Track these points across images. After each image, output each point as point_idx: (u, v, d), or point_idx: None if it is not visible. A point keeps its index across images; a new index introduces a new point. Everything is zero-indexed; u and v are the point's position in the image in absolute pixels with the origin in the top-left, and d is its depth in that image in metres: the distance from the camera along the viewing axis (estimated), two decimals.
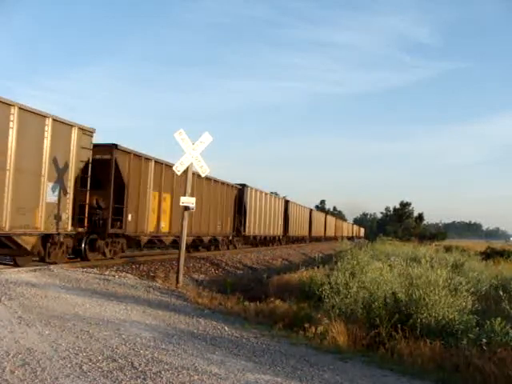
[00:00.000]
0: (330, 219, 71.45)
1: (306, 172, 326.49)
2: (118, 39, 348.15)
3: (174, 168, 12.82)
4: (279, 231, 37.42)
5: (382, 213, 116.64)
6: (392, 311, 8.11)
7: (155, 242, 19.58)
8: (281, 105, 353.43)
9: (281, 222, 37.60)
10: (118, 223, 15.87)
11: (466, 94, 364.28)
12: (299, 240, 46.82)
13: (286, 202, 39.88)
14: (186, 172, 12.62)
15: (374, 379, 6.06)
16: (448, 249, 30.20)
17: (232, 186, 27.62)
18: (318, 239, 57.70)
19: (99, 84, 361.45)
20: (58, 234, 13.11)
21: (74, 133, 13.61)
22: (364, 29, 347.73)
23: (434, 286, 8.31)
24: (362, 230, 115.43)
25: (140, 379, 5.01)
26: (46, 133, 12.58)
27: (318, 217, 60.04)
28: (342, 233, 79.85)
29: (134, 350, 6.02)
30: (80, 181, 14.01)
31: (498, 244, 60.98)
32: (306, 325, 8.16)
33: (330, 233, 67.21)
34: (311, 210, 56.17)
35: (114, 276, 12.29)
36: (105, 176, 15.15)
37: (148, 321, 7.79)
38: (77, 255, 14.91)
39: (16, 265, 12.65)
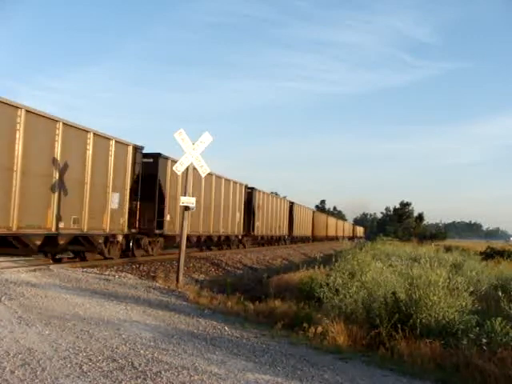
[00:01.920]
0: (338, 222, 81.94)
1: (305, 172, 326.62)
2: (118, 39, 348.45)
3: (173, 168, 12.83)
4: (310, 233, 52.22)
5: (382, 213, 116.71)
6: (392, 311, 8.10)
7: None
8: (281, 105, 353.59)
9: (310, 227, 52.56)
10: None
11: (467, 93, 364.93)
12: (319, 239, 58.10)
13: (313, 213, 55.47)
14: (186, 172, 12.62)
15: (374, 379, 6.06)
16: (448, 249, 30.19)
17: (286, 201, 41.23)
18: (330, 239, 65.49)
19: (99, 84, 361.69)
20: None
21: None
22: (364, 28, 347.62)
23: (433, 286, 8.30)
24: (362, 229, 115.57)
25: (140, 379, 5.01)
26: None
27: (331, 221, 71.78)
28: (344, 233, 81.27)
29: (134, 349, 6.02)
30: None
31: (498, 244, 60.85)
32: (306, 325, 8.16)
33: (337, 233, 75.24)
34: (327, 216, 71.51)
35: (114, 276, 12.30)
36: None
37: (148, 321, 7.80)
38: None
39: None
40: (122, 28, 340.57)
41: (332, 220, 73.32)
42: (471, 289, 9.01)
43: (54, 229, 12.81)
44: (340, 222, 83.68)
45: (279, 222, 38.27)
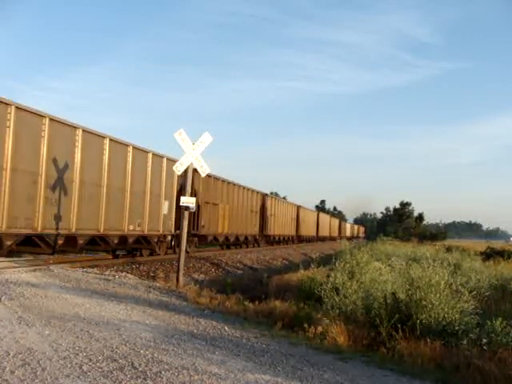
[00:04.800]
0: (340, 223, 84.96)
1: (305, 172, 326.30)
2: (118, 39, 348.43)
3: (173, 168, 12.83)
4: (314, 233, 56.31)
5: (382, 213, 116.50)
6: (392, 311, 8.10)
7: None
8: (281, 105, 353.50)
9: (315, 227, 56.66)
10: None
11: (467, 93, 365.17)
12: (322, 239, 61.74)
13: (318, 214, 60.18)
14: (186, 172, 12.63)
15: (374, 379, 6.06)
16: (448, 249, 30.19)
17: (294, 205, 45.66)
18: (333, 239, 68.15)
19: (99, 84, 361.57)
20: None
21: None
22: (365, 28, 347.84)
23: (435, 287, 8.28)
24: (363, 229, 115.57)
25: (140, 379, 5.01)
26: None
27: (334, 221, 75.53)
28: (345, 233, 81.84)
29: (134, 349, 6.02)
30: None
31: (498, 244, 60.92)
32: (306, 325, 8.16)
33: (340, 233, 78.46)
34: (330, 217, 75.04)
35: (114, 276, 12.29)
36: None
37: (148, 321, 7.79)
38: None
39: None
40: (122, 28, 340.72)
41: (334, 221, 76.11)
42: (474, 292, 8.96)
43: (126, 231, 15.94)
44: (342, 223, 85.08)
45: (288, 223, 42.28)
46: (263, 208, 33.83)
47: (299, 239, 47.48)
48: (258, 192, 32.52)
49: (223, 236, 25.38)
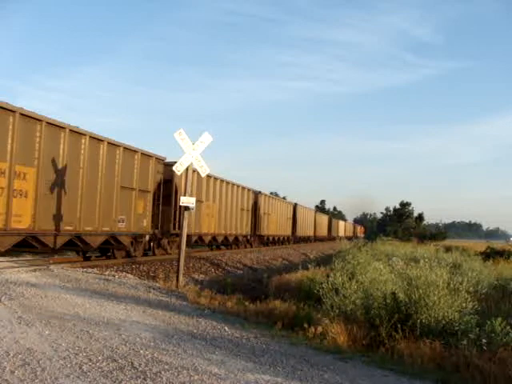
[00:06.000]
0: (340, 222, 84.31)
1: (305, 172, 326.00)
2: (118, 38, 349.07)
3: (173, 168, 12.82)
4: (312, 233, 53.58)
5: (382, 213, 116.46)
6: (392, 311, 8.10)
7: None
8: (281, 104, 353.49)
9: (313, 227, 54.34)
10: None
11: (467, 93, 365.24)
12: (320, 239, 60.26)
13: (315, 213, 57.92)
14: (185, 172, 12.62)
15: (374, 379, 6.06)
16: (448, 249, 30.18)
17: (290, 203, 44.02)
18: (332, 239, 66.76)
19: (99, 84, 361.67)
20: None
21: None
22: (365, 27, 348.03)
23: (433, 286, 8.30)
24: (363, 229, 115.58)
25: (140, 379, 5.01)
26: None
27: (333, 221, 74.29)
28: (345, 233, 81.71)
29: (133, 350, 6.02)
30: None
31: (498, 244, 60.82)
32: (306, 325, 8.16)
33: (339, 233, 77.60)
34: (329, 216, 75.04)
35: (114, 276, 12.30)
36: None
37: (148, 321, 7.79)
38: None
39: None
40: (122, 28, 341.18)
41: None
42: (471, 289, 8.99)
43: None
44: (341, 223, 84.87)
45: (283, 223, 40.07)
46: (255, 206, 31.69)
47: (295, 240, 44.65)
48: (249, 189, 30.28)
49: (209, 235, 23.46)
